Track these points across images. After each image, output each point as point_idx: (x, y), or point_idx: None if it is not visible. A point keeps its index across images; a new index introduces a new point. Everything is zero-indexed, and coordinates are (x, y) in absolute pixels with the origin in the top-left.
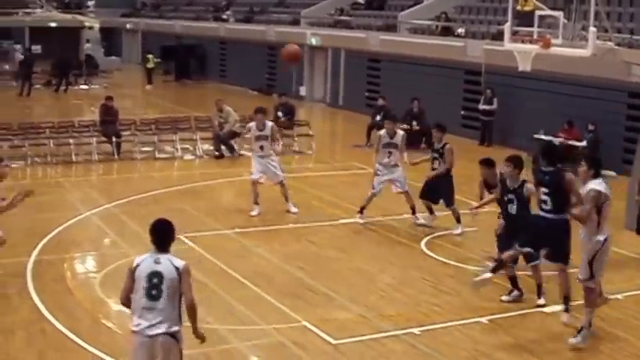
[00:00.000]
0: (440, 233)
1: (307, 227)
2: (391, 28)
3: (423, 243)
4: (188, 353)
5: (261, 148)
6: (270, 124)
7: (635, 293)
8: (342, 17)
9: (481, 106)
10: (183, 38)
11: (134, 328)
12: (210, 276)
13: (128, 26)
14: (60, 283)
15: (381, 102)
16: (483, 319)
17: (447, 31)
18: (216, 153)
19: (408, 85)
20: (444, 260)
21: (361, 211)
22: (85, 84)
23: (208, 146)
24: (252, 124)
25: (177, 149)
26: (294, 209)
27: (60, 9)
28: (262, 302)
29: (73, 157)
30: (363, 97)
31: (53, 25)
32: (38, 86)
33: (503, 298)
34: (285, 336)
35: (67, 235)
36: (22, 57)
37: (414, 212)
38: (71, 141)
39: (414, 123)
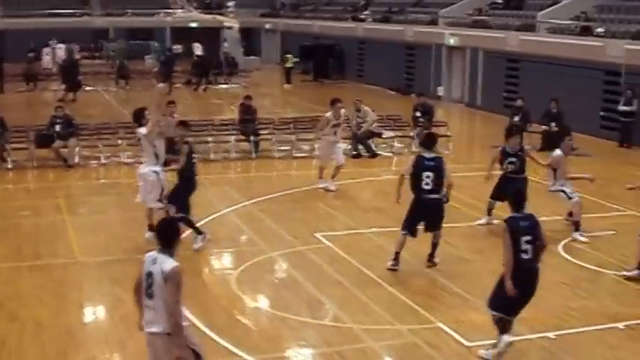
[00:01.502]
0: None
1: (443, 228)
2: (530, 27)
3: (560, 246)
4: (322, 351)
5: (335, 133)
6: (343, 111)
7: None
8: (480, 17)
9: (621, 107)
10: (321, 38)
11: (142, 322)
12: (346, 275)
13: (267, 26)
14: (197, 279)
15: (519, 102)
16: (620, 325)
17: (587, 31)
18: (354, 152)
19: (547, 85)
20: (582, 264)
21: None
22: (225, 83)
23: (346, 146)
24: (330, 114)
25: (315, 148)
26: (333, 187)
27: (200, 9)
28: (397, 302)
29: (212, 155)
30: (501, 97)
31: (194, 25)
32: (178, 85)
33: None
34: (419, 337)
35: (205, 232)
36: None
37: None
38: (210, 139)
39: (553, 124)
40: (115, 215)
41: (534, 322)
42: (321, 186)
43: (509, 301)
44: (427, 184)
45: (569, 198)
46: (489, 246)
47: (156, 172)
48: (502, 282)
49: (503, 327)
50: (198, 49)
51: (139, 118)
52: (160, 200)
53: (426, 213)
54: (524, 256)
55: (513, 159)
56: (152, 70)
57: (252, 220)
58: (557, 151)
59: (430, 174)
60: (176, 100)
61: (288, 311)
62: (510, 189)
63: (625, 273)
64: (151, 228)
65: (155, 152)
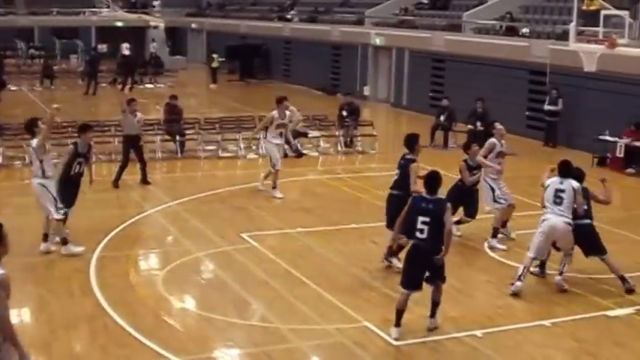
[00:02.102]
0: (502, 235)
1: (371, 227)
2: (455, 27)
3: (486, 245)
4: (249, 352)
5: (281, 135)
6: (288, 112)
7: None
8: (407, 17)
9: (546, 107)
10: (247, 38)
11: None
12: (272, 275)
13: (193, 26)
14: (122, 280)
15: (445, 102)
16: (546, 323)
17: (512, 31)
18: None
19: (473, 85)
20: (508, 262)
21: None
22: (151, 83)
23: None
24: (275, 112)
25: (240, 148)
26: (279, 195)
27: (126, 9)
28: (324, 302)
29: None
30: (427, 97)
31: (119, 24)
32: (104, 85)
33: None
34: (347, 336)
35: (131, 232)
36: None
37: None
38: None
39: (479, 123)
40: (39, 216)
41: (461, 321)
42: (279, 196)
43: (405, 273)
44: (393, 180)
45: (495, 201)
46: None
47: (42, 185)
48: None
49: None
50: (126, 50)
51: (31, 127)
52: (58, 210)
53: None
54: (419, 235)
55: (476, 171)
56: (77, 70)
57: (179, 220)
58: (491, 139)
59: (398, 172)
60: (101, 101)
61: (215, 312)
62: (465, 199)
63: (532, 270)
64: (45, 237)
65: (42, 167)
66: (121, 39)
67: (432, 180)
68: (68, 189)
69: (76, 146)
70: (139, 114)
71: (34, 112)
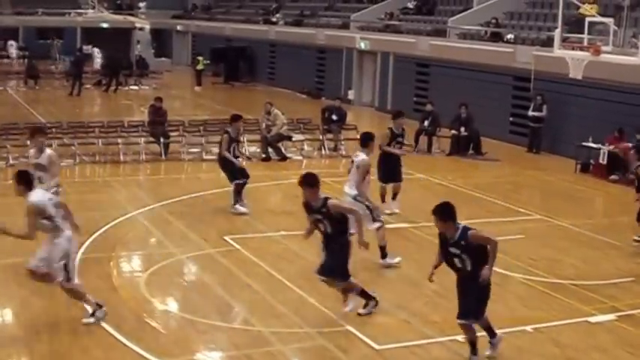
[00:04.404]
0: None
1: (352, 232)
2: (441, 33)
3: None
4: (231, 355)
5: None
6: (48, 152)
7: None
8: (392, 22)
9: (530, 113)
10: (233, 41)
11: None
12: (255, 278)
13: (179, 28)
14: (105, 281)
15: (429, 107)
16: (529, 328)
17: (497, 37)
18: (263, 155)
19: (457, 90)
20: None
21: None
22: (135, 84)
23: (256, 148)
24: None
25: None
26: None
27: (111, 10)
28: (306, 306)
29: (122, 157)
30: (411, 102)
31: (105, 25)
32: (88, 86)
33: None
34: (329, 340)
35: (114, 234)
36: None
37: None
38: (120, 141)
39: (462, 129)
40: (22, 217)
41: (443, 325)
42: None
43: None
44: None
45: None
46: (398, 250)
47: None
48: None
49: None
50: (97, 54)
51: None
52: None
53: None
54: None
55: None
56: (61, 70)
57: (162, 222)
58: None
59: None
60: (85, 102)
61: (198, 314)
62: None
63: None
64: None
65: None
66: (107, 40)
67: None
68: (230, 166)
69: (229, 134)
70: None
71: (19, 112)
